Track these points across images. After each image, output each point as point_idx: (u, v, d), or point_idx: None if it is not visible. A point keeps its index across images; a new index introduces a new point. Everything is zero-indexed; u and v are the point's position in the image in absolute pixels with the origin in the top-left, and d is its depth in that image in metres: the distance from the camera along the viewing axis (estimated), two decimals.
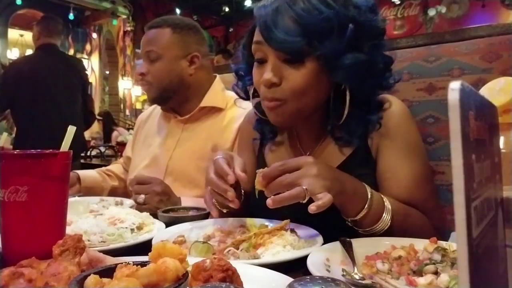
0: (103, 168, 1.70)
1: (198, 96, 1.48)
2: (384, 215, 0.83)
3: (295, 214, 0.85)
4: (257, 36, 0.90)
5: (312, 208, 0.71)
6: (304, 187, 0.74)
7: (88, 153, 4.61)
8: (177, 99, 1.47)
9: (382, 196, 0.86)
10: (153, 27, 1.46)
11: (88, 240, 0.82)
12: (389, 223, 0.83)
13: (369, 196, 0.82)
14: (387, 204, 0.84)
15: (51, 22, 3.27)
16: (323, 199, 0.72)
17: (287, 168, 0.77)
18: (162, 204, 1.19)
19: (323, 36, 0.83)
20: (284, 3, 0.84)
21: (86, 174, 1.55)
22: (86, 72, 3.68)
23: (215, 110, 1.48)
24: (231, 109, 1.48)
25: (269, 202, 0.74)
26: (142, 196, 1.20)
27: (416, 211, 0.91)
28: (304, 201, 0.74)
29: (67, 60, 3.42)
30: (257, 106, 1.04)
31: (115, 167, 1.72)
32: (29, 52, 7.64)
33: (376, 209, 0.83)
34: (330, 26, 0.83)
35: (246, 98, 1.07)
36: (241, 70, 1.06)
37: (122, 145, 4.13)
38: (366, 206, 0.81)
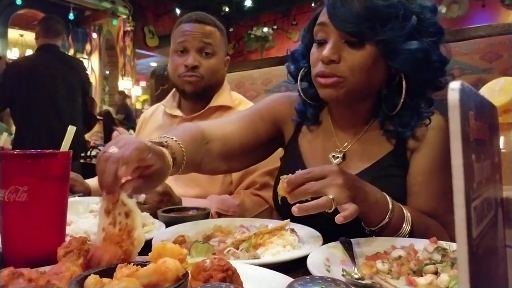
0: None
1: (208, 97, 1.50)
2: (404, 225, 0.84)
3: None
4: (322, 18, 0.94)
5: (339, 219, 0.71)
6: (330, 197, 0.74)
7: (88, 153, 4.60)
8: (210, 96, 1.50)
9: (402, 206, 0.86)
10: (201, 22, 1.46)
11: (88, 240, 0.82)
12: (407, 235, 0.84)
13: (390, 207, 0.83)
14: (407, 215, 0.85)
15: (49, 22, 3.28)
16: (349, 210, 0.72)
17: (312, 176, 0.77)
18: (162, 204, 1.19)
19: (387, 22, 0.87)
20: None
21: (95, 186, 1.54)
22: (87, 72, 3.67)
23: (222, 109, 1.50)
24: (237, 108, 1.49)
25: (294, 209, 0.73)
26: (143, 195, 1.20)
27: (436, 224, 0.91)
28: (330, 211, 0.74)
29: (67, 60, 3.41)
30: (304, 90, 1.06)
31: None
32: (29, 52, 7.64)
33: (397, 219, 0.83)
34: (395, 14, 0.87)
35: (295, 81, 1.08)
36: (298, 52, 1.08)
37: None
38: (387, 216, 0.82)
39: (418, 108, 0.95)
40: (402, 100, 0.92)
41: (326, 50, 0.90)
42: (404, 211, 0.85)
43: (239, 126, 1.05)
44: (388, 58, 0.90)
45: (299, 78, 1.05)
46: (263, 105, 1.14)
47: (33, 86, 3.08)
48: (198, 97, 1.48)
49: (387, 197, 0.84)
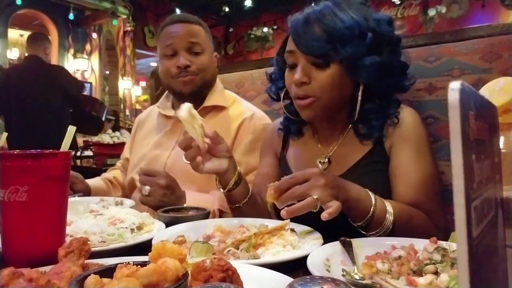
0: (109, 175, 1.67)
1: (202, 96, 1.49)
2: (387, 216, 0.87)
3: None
4: (289, 46, 1.03)
5: (324, 216, 0.76)
6: (315, 197, 0.78)
7: (79, 154, 4.46)
8: (204, 95, 1.49)
9: (384, 200, 0.90)
10: (184, 21, 1.45)
11: (88, 240, 0.82)
12: (391, 226, 0.87)
13: (373, 202, 0.86)
14: (389, 207, 0.88)
15: (33, 35, 3.63)
16: (333, 207, 0.77)
17: (296, 181, 0.82)
18: (166, 197, 1.19)
19: (346, 42, 0.95)
20: (313, 14, 0.98)
21: (94, 185, 1.54)
22: (70, 78, 3.76)
23: (216, 109, 1.49)
24: (231, 108, 1.50)
25: (283, 213, 0.79)
26: (147, 187, 1.21)
27: (419, 213, 0.95)
28: (316, 210, 0.78)
29: (44, 69, 3.52)
30: (287, 107, 1.15)
31: (117, 173, 1.70)
32: None
33: (380, 212, 0.87)
34: (352, 34, 0.95)
35: (277, 100, 1.18)
36: (274, 74, 1.19)
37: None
38: (370, 211, 0.86)
39: (383, 111, 1.02)
40: (358, 107, 1.00)
41: (297, 74, 0.99)
42: (386, 203, 0.89)
43: (274, 176, 1.15)
44: (352, 73, 0.98)
45: (281, 97, 1.13)
46: (261, 148, 1.29)
47: (8, 94, 3.37)
48: (195, 97, 1.46)
49: (369, 192, 0.88)
